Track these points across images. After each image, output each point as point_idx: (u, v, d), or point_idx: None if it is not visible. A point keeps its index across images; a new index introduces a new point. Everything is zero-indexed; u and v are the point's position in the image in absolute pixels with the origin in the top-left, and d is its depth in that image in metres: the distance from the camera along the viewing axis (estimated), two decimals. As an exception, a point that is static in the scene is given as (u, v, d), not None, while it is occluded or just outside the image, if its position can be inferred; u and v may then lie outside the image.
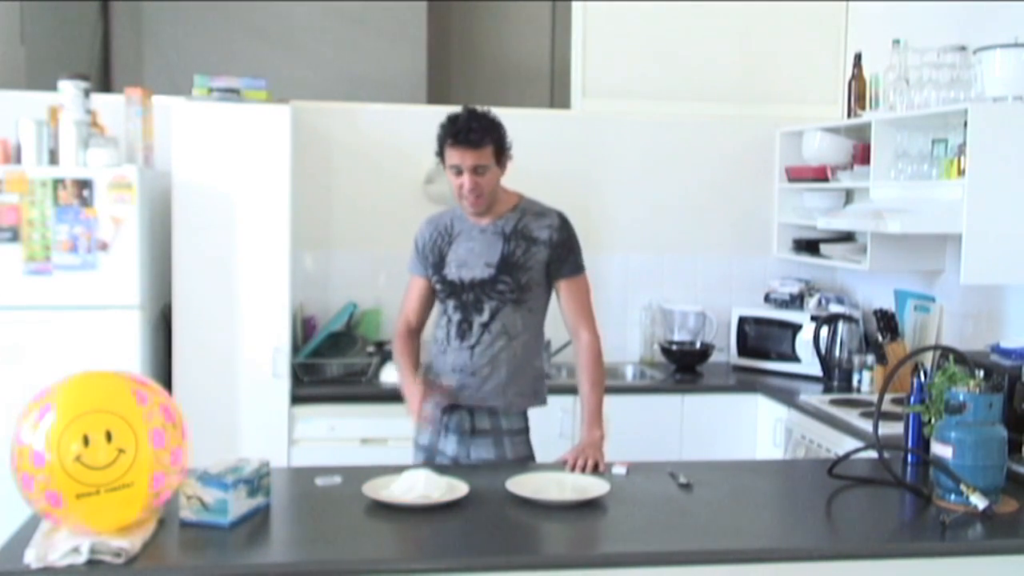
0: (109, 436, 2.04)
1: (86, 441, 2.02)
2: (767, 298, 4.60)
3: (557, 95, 5.86)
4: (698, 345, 4.46)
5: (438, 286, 2.98)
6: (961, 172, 3.37)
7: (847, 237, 4.37)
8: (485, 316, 2.92)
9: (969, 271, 3.27)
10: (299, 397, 3.90)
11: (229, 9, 5.82)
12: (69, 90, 3.68)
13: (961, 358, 2.62)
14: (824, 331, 4.20)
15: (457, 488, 2.47)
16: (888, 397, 2.84)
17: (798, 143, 4.50)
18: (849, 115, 4.30)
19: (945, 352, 2.71)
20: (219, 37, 5.77)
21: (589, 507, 2.44)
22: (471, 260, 2.93)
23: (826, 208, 4.37)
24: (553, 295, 3.02)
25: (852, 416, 3.47)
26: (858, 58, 4.29)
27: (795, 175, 4.53)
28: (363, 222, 4.49)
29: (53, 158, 3.68)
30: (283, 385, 3.87)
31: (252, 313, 3.85)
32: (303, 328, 4.26)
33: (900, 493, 2.60)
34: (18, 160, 3.65)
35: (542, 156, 4.34)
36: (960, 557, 2.30)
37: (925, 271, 4.01)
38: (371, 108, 4.58)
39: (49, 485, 2.01)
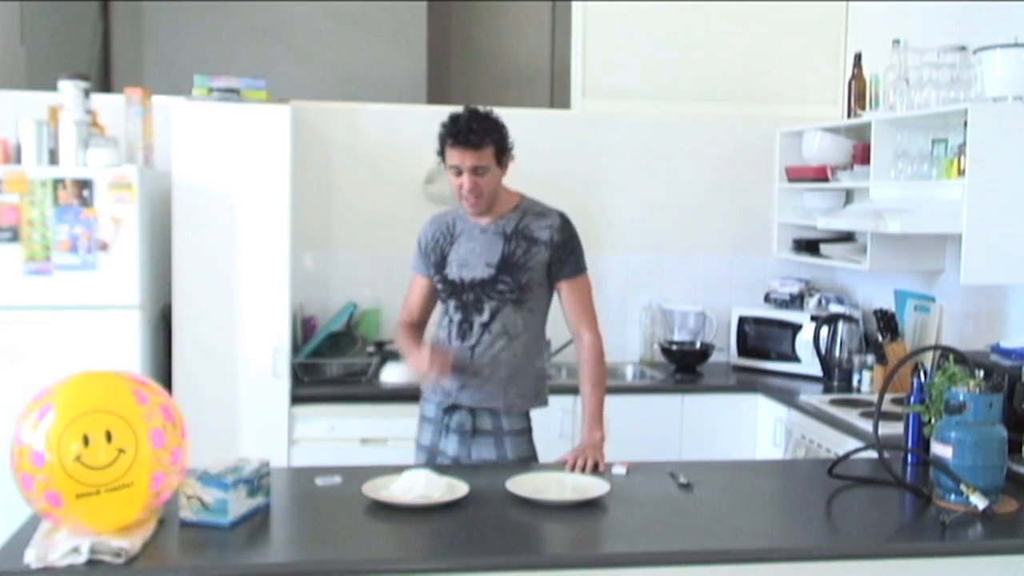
0: (109, 436, 2.04)
1: (86, 441, 2.02)
2: (767, 298, 4.60)
3: (557, 95, 5.86)
4: (698, 345, 4.46)
5: (439, 285, 2.99)
6: (961, 172, 3.37)
7: (847, 237, 4.37)
8: (485, 316, 2.92)
9: (969, 271, 3.27)
10: (299, 397, 3.90)
11: (229, 9, 5.82)
12: (69, 90, 3.68)
13: (961, 358, 2.62)
14: (824, 331, 4.20)
15: (457, 488, 2.47)
16: (888, 397, 2.84)
17: (798, 143, 4.50)
18: (849, 115, 4.30)
19: (945, 352, 2.71)
20: (219, 37, 5.77)
21: (589, 507, 2.44)
22: (472, 260, 2.93)
23: (826, 208, 4.37)
24: (555, 295, 3.02)
25: (852, 416, 3.47)
26: (858, 58, 4.29)
27: (795, 175, 4.53)
28: (363, 222, 4.49)
29: (53, 158, 3.68)
30: (283, 385, 3.87)
31: (252, 313, 3.85)
32: (303, 328, 4.26)
33: (900, 493, 2.60)
34: (18, 160, 3.65)
35: (542, 156, 4.34)
36: (960, 557, 2.30)
37: (925, 271, 4.01)
38: (371, 108, 4.58)
39: (49, 485, 2.01)
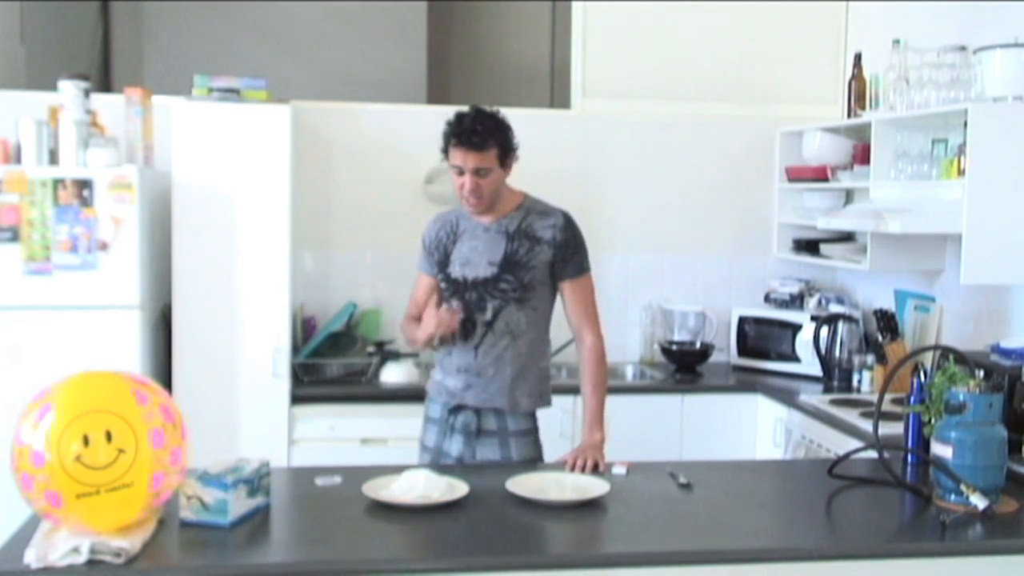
0: (109, 436, 2.04)
1: (86, 441, 2.02)
2: (767, 298, 4.60)
3: (557, 95, 5.86)
4: (698, 345, 4.46)
5: (443, 284, 2.98)
6: (961, 172, 3.37)
7: (847, 237, 4.37)
8: (488, 315, 2.91)
9: (969, 271, 3.27)
10: (299, 397, 3.90)
11: (229, 9, 5.82)
12: (69, 90, 3.68)
13: (961, 358, 2.62)
14: (824, 331, 4.20)
15: (457, 488, 2.47)
16: (888, 397, 2.84)
17: (798, 143, 4.50)
18: (849, 115, 4.30)
19: (945, 352, 2.71)
20: (219, 37, 5.77)
21: (589, 507, 2.44)
22: (474, 259, 2.93)
23: (826, 208, 4.37)
24: (557, 295, 3.01)
25: (852, 416, 3.47)
26: (858, 58, 4.29)
27: (795, 175, 4.53)
28: (363, 222, 4.49)
29: (53, 158, 3.67)
30: (283, 385, 3.87)
31: (252, 313, 3.84)
32: (303, 328, 4.25)
33: (900, 493, 2.60)
34: (18, 160, 3.65)
35: (542, 156, 4.33)
36: (960, 557, 2.30)
37: (925, 271, 4.01)
38: (371, 108, 4.58)
39: (49, 485, 2.01)
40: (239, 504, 2.24)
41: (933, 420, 2.58)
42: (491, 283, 2.90)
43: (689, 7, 4.73)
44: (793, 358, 4.35)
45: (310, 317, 4.34)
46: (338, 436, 3.86)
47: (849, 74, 4.37)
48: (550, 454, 3.02)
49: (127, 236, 3.60)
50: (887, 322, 4.04)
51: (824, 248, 4.41)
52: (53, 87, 3.73)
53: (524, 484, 2.52)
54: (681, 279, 4.71)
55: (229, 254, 3.82)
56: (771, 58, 4.80)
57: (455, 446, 2.96)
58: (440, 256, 2.99)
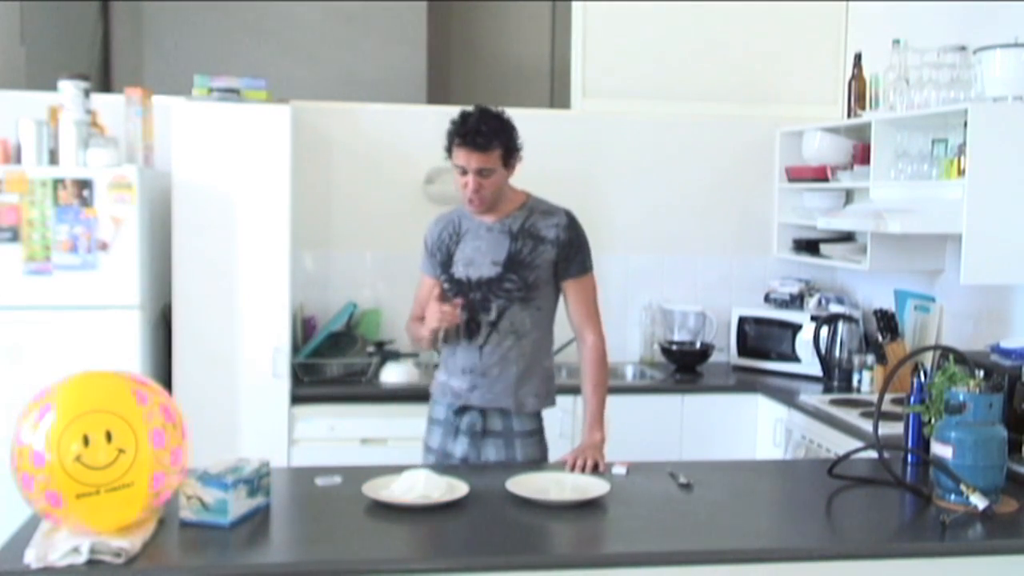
0: (109, 436, 2.04)
1: (86, 441, 2.02)
2: (767, 298, 4.60)
3: (557, 95, 5.86)
4: (698, 345, 4.46)
5: (446, 285, 2.98)
6: (961, 172, 3.37)
7: (847, 237, 4.37)
8: (492, 315, 2.91)
9: (969, 271, 3.27)
10: (299, 397, 3.90)
11: (229, 9, 5.82)
12: (69, 90, 3.68)
13: (961, 358, 2.62)
14: (824, 331, 4.20)
15: (457, 488, 2.47)
16: (888, 397, 2.84)
17: (798, 143, 4.50)
18: (849, 115, 4.30)
19: (945, 352, 2.71)
20: (219, 37, 5.77)
21: (589, 507, 2.44)
22: (478, 259, 2.92)
23: (826, 208, 4.37)
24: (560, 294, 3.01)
25: (852, 416, 3.47)
26: (858, 58, 4.29)
27: (795, 175, 4.53)
28: (363, 222, 4.49)
29: (53, 158, 3.67)
30: (283, 385, 3.87)
31: (252, 313, 3.84)
32: (303, 328, 4.25)
33: (900, 493, 2.60)
34: (18, 160, 3.65)
35: (542, 156, 4.30)
36: (960, 557, 2.30)
37: (925, 271, 4.01)
38: (371, 108, 4.58)
39: (49, 485, 2.01)
40: (239, 504, 2.24)
41: (933, 420, 2.58)
42: (495, 283, 2.90)
43: (689, 7, 4.73)
44: (793, 358, 4.35)
45: (310, 317, 4.34)
46: (338, 436, 3.86)
47: (849, 74, 4.37)
48: (551, 454, 3.02)
49: (127, 236, 3.60)
50: (887, 322, 4.04)
51: (824, 248, 4.41)
52: (53, 87, 3.73)
53: (524, 484, 2.52)
54: (681, 279, 4.71)
55: (229, 254, 3.82)
56: (771, 58, 4.80)
57: (460, 447, 2.95)
58: (443, 257, 2.99)
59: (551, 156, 4.48)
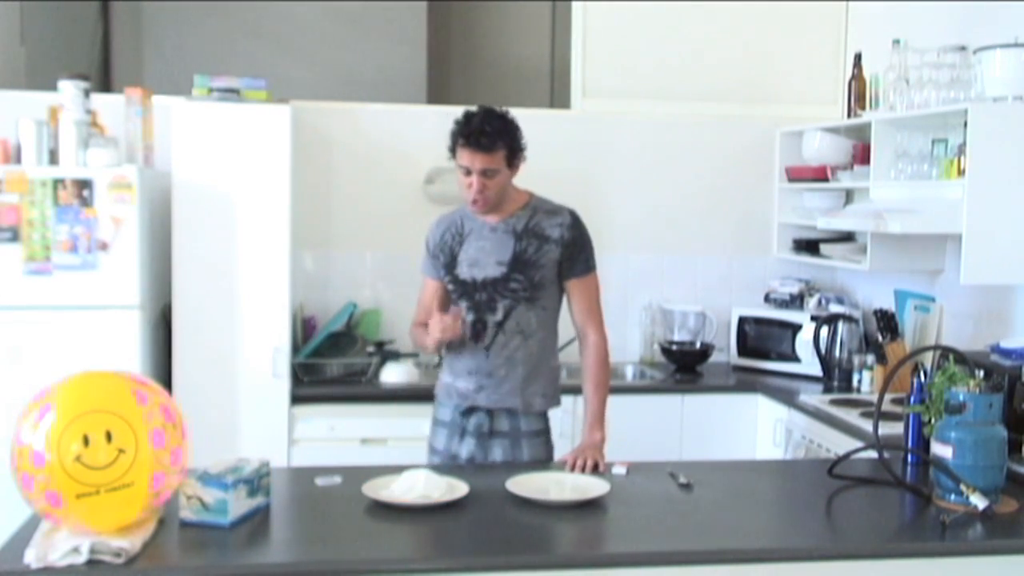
0: (109, 436, 2.04)
1: (86, 441, 2.02)
2: (767, 298, 4.60)
3: (557, 95, 5.86)
4: (698, 345, 4.46)
5: (450, 286, 2.97)
6: (961, 172, 3.37)
7: (847, 237, 4.37)
8: (499, 315, 2.90)
9: (969, 271, 3.27)
10: (299, 397, 3.90)
11: (229, 9, 5.82)
12: (69, 90, 3.68)
13: (961, 358, 2.62)
14: (824, 331, 4.20)
15: (457, 488, 2.47)
16: (888, 397, 2.84)
17: (798, 143, 4.50)
18: (849, 115, 4.30)
19: (945, 352, 2.71)
20: (219, 37, 5.77)
21: (589, 507, 2.44)
22: (482, 259, 2.92)
23: (826, 208, 4.37)
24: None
25: (852, 416, 3.47)
26: (858, 58, 4.29)
27: (795, 175, 4.53)
28: (363, 222, 4.49)
29: (53, 158, 3.67)
30: (283, 385, 3.87)
31: (252, 313, 3.84)
32: (303, 328, 4.25)
33: (900, 493, 2.60)
34: (18, 160, 3.65)
35: (542, 156, 4.29)
36: (960, 557, 2.30)
37: (925, 271, 4.01)
38: (371, 108, 4.57)
39: (49, 485, 2.01)
40: (239, 504, 2.24)
41: (933, 420, 2.58)
42: (500, 283, 2.90)
43: (689, 7, 4.73)
44: (793, 358, 4.35)
45: (310, 317, 4.34)
46: (338, 436, 3.86)
47: (849, 74, 4.37)
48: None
49: (127, 236, 3.60)
50: (887, 322, 4.04)
51: (824, 248, 4.41)
52: (53, 87, 3.73)
53: (524, 484, 2.52)
54: (681, 279, 4.71)
55: (229, 254, 3.82)
56: (771, 58, 4.80)
57: (466, 448, 2.95)
58: (446, 258, 2.98)
59: (551, 156, 4.47)
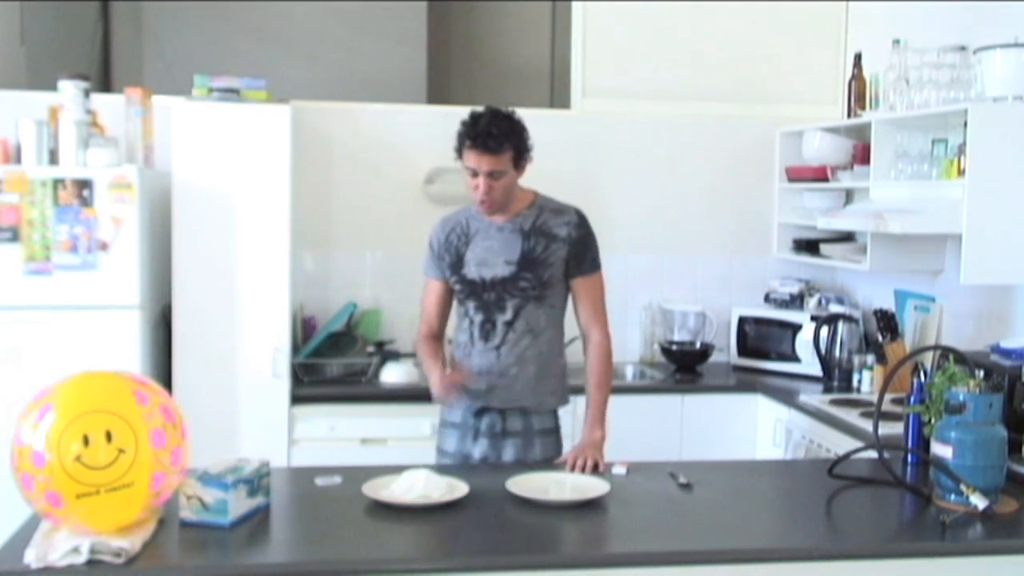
0: (109, 436, 2.04)
1: (86, 441, 2.02)
2: (767, 298, 4.60)
3: (557, 95, 5.86)
4: (698, 345, 4.46)
5: (457, 286, 2.97)
6: (961, 172, 3.37)
7: (847, 237, 4.37)
8: (508, 314, 2.90)
9: (969, 271, 3.27)
10: (299, 397, 3.90)
11: (229, 9, 5.82)
12: (69, 90, 3.68)
13: (961, 358, 2.62)
14: (824, 331, 4.20)
15: (457, 488, 2.47)
16: (888, 397, 2.84)
17: (798, 143, 4.50)
18: (849, 115, 4.30)
19: (945, 352, 2.71)
20: (219, 37, 5.76)
21: (589, 507, 2.44)
22: (490, 258, 2.92)
23: (826, 208, 4.37)
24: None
25: (852, 416, 3.47)
26: (858, 58, 4.29)
27: (795, 175, 4.53)
28: (363, 222, 4.49)
29: (53, 158, 3.67)
30: (283, 385, 3.87)
31: (252, 313, 3.85)
32: (303, 328, 4.26)
33: (900, 493, 2.60)
34: (18, 160, 3.65)
35: (542, 156, 4.28)
36: (960, 557, 2.30)
37: (925, 271, 4.01)
38: (371, 108, 4.57)
39: (49, 485, 2.01)
40: (239, 504, 2.24)
41: (933, 420, 2.58)
42: (509, 282, 2.89)
43: (689, 7, 4.73)
44: (793, 358, 4.35)
45: (310, 317, 4.34)
46: (338, 436, 3.86)
47: (849, 74, 4.37)
48: (550, 454, 3.02)
49: (127, 236, 3.60)
50: (887, 322, 4.04)
51: (824, 248, 4.41)
52: (53, 87, 3.73)
53: (524, 484, 2.52)
54: (681, 279, 4.71)
55: (229, 254, 3.82)
56: (771, 58, 4.80)
57: (479, 448, 2.95)
58: (452, 258, 2.97)
59: (551, 156, 4.43)
